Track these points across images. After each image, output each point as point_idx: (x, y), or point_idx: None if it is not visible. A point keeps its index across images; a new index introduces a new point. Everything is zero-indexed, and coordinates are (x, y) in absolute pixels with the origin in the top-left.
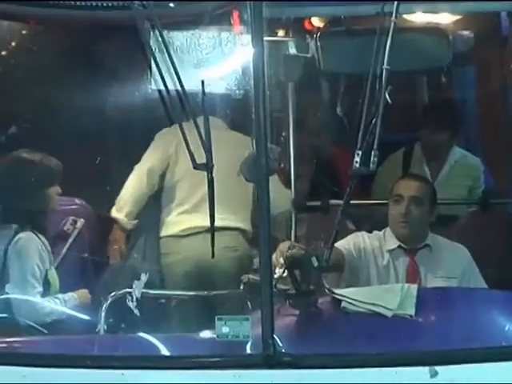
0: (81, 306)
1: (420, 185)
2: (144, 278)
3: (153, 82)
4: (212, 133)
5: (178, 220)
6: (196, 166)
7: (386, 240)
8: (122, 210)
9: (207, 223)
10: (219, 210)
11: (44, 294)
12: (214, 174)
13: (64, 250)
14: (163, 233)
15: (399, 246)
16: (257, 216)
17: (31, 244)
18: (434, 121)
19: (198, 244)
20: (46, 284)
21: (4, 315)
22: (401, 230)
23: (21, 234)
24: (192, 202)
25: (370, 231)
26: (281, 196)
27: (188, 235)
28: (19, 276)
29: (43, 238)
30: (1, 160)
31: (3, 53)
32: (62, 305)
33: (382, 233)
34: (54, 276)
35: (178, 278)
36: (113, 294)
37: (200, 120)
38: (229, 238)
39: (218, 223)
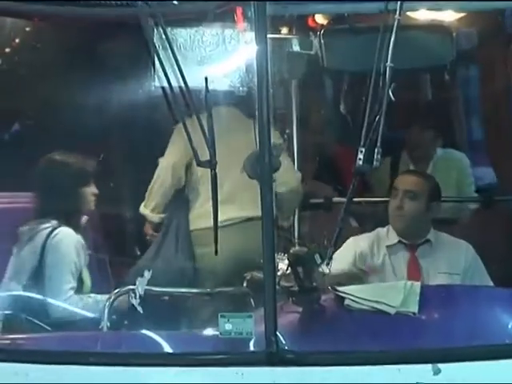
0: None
1: (415, 179)
2: (147, 274)
3: (157, 78)
4: (232, 123)
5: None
6: (199, 164)
7: (388, 236)
8: (148, 205)
9: (241, 214)
10: (252, 199)
11: (77, 292)
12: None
13: None
14: (195, 226)
15: (399, 241)
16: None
17: (69, 239)
18: (420, 121)
19: (233, 235)
20: (80, 282)
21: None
22: (396, 223)
23: (60, 229)
24: (223, 193)
25: (373, 228)
26: (288, 174)
27: (223, 227)
28: (55, 270)
29: (80, 237)
30: (38, 162)
31: (7, 50)
32: (95, 305)
33: (385, 229)
34: (87, 275)
35: (215, 270)
36: (116, 291)
37: (206, 116)
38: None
39: (252, 213)
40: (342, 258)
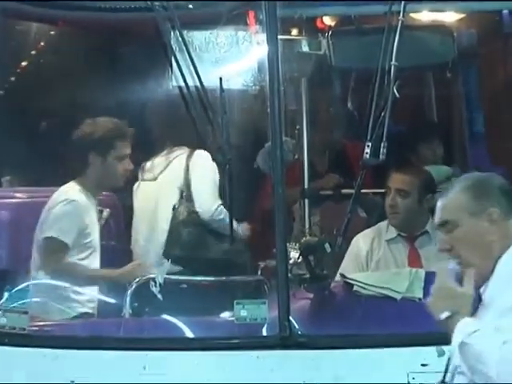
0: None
1: (405, 177)
2: (167, 264)
3: (174, 79)
4: None
5: None
6: (217, 160)
7: (388, 230)
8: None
9: None
10: None
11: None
12: None
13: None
14: None
15: (399, 235)
16: None
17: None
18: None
19: None
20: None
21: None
22: (392, 220)
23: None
24: None
25: (379, 218)
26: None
27: None
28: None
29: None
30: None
31: (33, 52)
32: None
33: (385, 223)
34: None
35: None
36: (137, 279)
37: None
38: None
39: None
40: (349, 263)
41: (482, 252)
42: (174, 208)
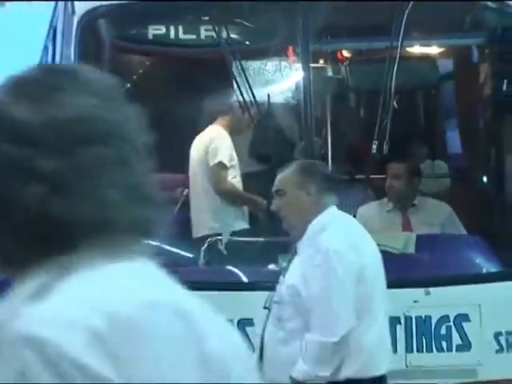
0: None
1: (399, 166)
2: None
3: (236, 95)
4: None
5: None
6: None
7: (387, 203)
8: None
9: None
10: None
11: None
12: None
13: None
14: None
15: (395, 207)
16: None
17: None
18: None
19: None
20: None
21: None
22: (389, 196)
23: None
24: None
25: (381, 196)
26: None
27: None
28: None
29: None
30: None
31: (134, 77)
32: None
33: (386, 199)
34: None
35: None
36: (209, 240)
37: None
38: None
39: None
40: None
41: (299, 216)
42: None
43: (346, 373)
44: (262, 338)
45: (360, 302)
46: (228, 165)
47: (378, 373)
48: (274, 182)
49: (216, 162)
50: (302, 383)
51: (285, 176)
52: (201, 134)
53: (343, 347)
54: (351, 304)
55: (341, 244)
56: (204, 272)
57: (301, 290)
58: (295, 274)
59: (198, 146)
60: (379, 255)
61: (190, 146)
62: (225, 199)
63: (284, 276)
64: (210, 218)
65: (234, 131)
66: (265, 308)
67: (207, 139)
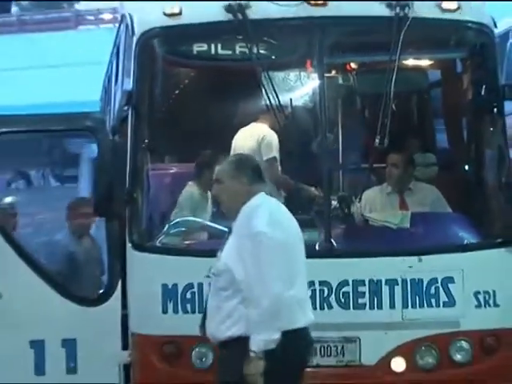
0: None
1: (397, 157)
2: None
3: (264, 99)
4: None
5: None
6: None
7: (387, 187)
8: None
9: None
10: None
11: None
12: None
13: None
14: None
15: (393, 190)
16: None
17: None
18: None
19: None
20: None
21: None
22: (389, 182)
23: None
24: None
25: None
26: None
27: None
28: None
29: None
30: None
31: (181, 86)
32: None
33: (386, 183)
34: None
35: None
36: None
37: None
38: None
39: None
40: (364, 206)
41: (234, 201)
42: None
43: (281, 326)
44: (206, 302)
45: (286, 269)
46: (278, 158)
47: (303, 324)
48: (215, 171)
49: (270, 156)
50: (261, 351)
51: (223, 168)
52: (246, 128)
53: (278, 309)
54: (279, 273)
55: (268, 225)
56: None
57: (232, 266)
58: (229, 251)
59: (248, 137)
60: (299, 230)
61: (230, 137)
62: (277, 186)
63: (221, 251)
64: None
65: (272, 128)
66: (207, 277)
67: (259, 133)
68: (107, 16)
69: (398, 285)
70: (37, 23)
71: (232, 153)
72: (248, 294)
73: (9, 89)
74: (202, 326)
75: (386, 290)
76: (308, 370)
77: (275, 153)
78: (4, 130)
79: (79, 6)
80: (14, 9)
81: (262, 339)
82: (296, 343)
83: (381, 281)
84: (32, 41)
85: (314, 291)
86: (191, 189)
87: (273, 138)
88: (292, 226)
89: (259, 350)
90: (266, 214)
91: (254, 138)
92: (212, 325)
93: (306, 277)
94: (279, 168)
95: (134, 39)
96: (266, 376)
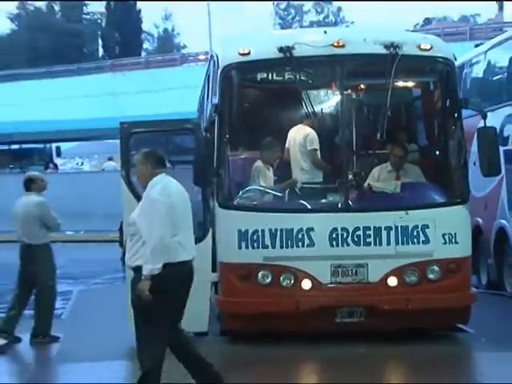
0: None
1: (398, 149)
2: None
3: (305, 109)
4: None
5: None
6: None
7: (388, 167)
8: None
9: None
10: None
11: None
12: None
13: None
14: None
15: (392, 169)
16: None
17: None
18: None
19: None
20: None
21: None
22: (392, 164)
23: None
24: None
25: (384, 162)
26: None
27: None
28: None
29: None
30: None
31: (250, 100)
32: None
33: (387, 163)
34: None
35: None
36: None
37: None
38: None
39: None
40: (371, 179)
41: (144, 178)
42: None
43: (165, 260)
44: (125, 243)
45: (172, 222)
46: (318, 150)
47: (183, 259)
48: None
49: (313, 147)
50: (148, 275)
51: (137, 157)
52: (294, 128)
53: (162, 248)
54: (162, 225)
55: (159, 194)
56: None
57: (137, 220)
58: (137, 210)
59: (297, 134)
60: (186, 198)
61: (283, 134)
62: (316, 167)
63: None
64: (305, 173)
65: (312, 128)
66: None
67: (304, 131)
68: (202, 56)
69: (392, 230)
70: (156, 62)
71: (287, 143)
72: (144, 238)
73: (140, 104)
74: (122, 258)
75: (384, 233)
76: (333, 285)
77: (315, 145)
78: (137, 130)
79: (184, 51)
80: (143, 54)
81: (149, 267)
82: (176, 271)
83: (381, 227)
84: (152, 74)
85: (337, 235)
86: (258, 164)
87: (314, 134)
88: (180, 195)
89: (147, 274)
90: (159, 187)
91: (301, 134)
92: (128, 257)
93: (191, 227)
94: (319, 155)
95: (219, 71)
96: (153, 292)
